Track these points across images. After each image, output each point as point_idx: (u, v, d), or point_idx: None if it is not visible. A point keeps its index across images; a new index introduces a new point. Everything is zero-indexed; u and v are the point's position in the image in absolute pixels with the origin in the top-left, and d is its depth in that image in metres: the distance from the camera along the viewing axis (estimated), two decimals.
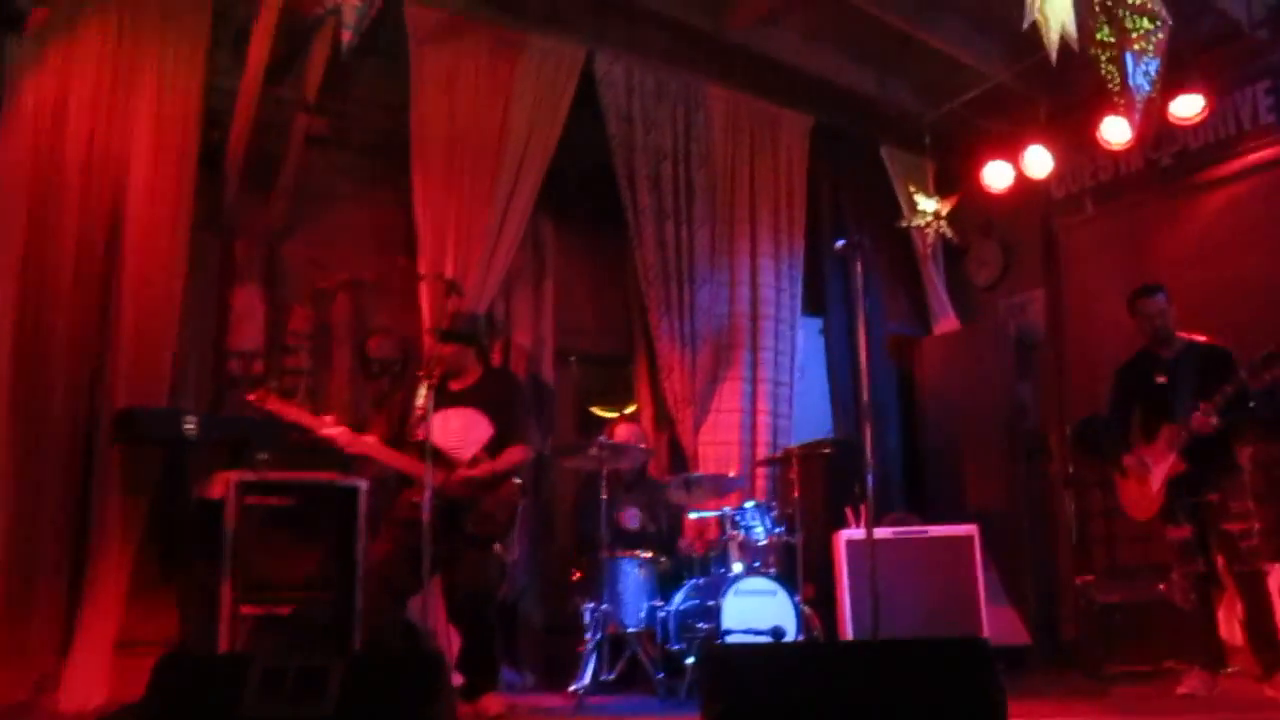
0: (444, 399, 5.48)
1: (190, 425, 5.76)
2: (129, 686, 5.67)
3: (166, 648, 5.93)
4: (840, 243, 5.44)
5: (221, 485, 5.79)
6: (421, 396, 5.44)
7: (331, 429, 5.30)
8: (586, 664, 5.91)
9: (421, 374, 5.49)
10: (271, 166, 6.82)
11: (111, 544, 5.78)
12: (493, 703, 5.32)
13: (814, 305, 8.41)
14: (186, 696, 3.35)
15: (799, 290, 8.04)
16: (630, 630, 6.08)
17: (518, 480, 5.57)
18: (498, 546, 5.35)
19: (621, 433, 6.85)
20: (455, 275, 6.60)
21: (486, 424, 5.49)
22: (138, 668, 5.81)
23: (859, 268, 5.36)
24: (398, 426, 5.56)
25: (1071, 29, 5.44)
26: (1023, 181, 7.83)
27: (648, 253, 7.52)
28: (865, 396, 5.15)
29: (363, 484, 5.83)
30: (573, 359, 8.21)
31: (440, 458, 5.33)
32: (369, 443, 5.39)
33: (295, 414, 5.30)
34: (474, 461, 5.40)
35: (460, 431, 5.46)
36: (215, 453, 6.30)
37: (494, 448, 5.43)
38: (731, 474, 6.95)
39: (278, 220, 6.96)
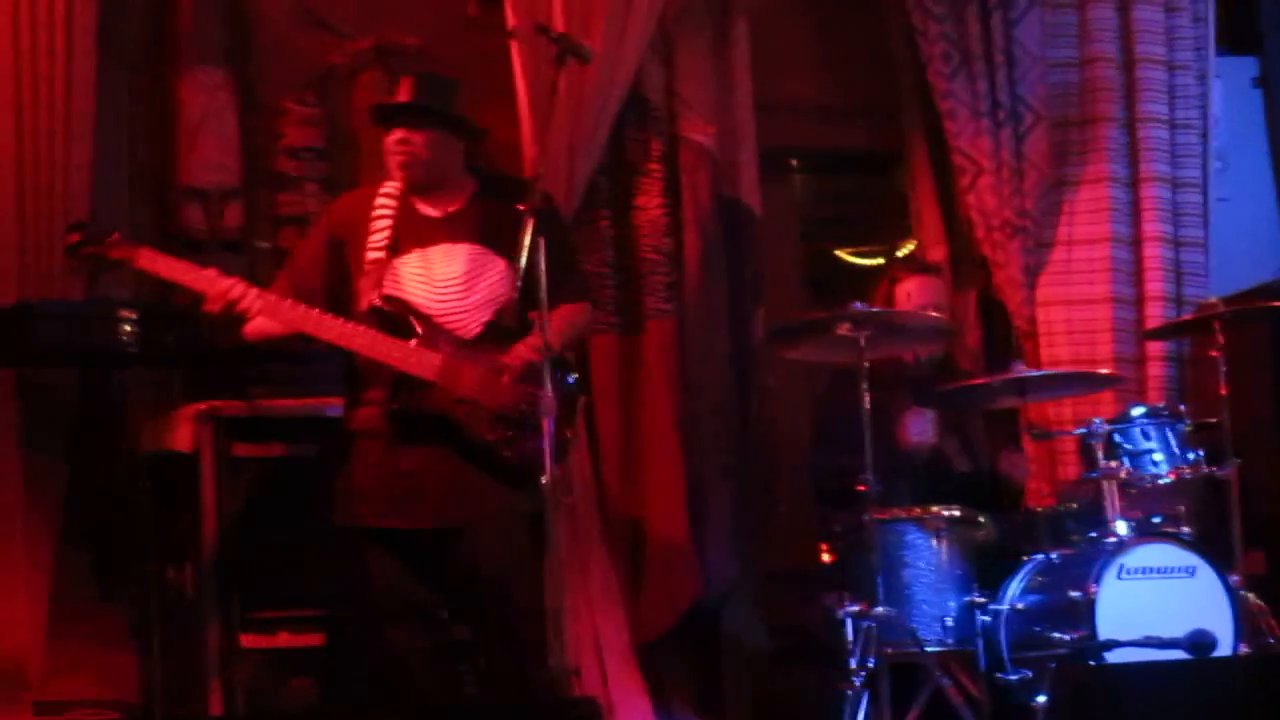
0: (415, 233, 5.63)
1: (128, 326, 5.99)
2: None
3: (118, 710, 6.26)
4: None
5: (189, 428, 6.03)
6: (381, 230, 5.57)
7: (225, 284, 5.44)
8: (853, 714, 6.02)
9: (388, 189, 5.64)
10: None
11: (10, 542, 6.10)
12: None
13: (1239, 35, 8.27)
14: None
15: (1210, 8, 7.86)
16: (930, 649, 6.14)
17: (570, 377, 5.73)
18: (546, 479, 5.34)
19: (909, 292, 6.82)
20: (570, 28, 6.64)
21: (502, 268, 5.60)
22: None
23: None
24: (325, 278, 5.70)
25: None
26: None
27: None
28: None
29: None
30: (793, 163, 8.20)
31: (437, 333, 5.51)
32: (272, 302, 5.49)
33: (166, 266, 5.49)
34: (494, 336, 5.52)
35: (459, 283, 5.61)
36: (164, 375, 6.57)
37: (519, 308, 5.45)
38: (1104, 371, 6.94)
39: None
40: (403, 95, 5.67)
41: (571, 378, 5.73)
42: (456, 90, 5.74)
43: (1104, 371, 7.06)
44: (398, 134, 5.61)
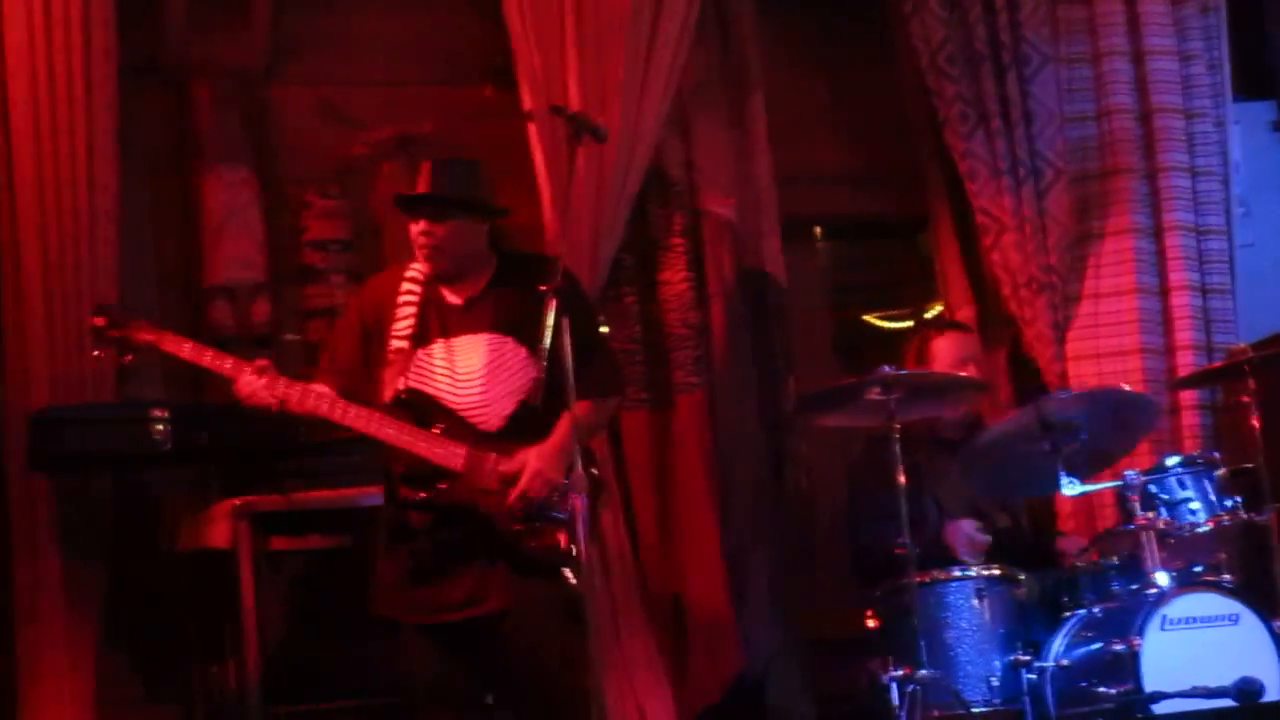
0: (440, 322, 5.56)
1: (160, 425, 5.99)
2: None
3: None
4: None
5: (225, 524, 6.02)
6: (405, 318, 5.49)
7: (250, 376, 5.32)
8: None
9: (413, 273, 5.55)
10: None
11: (52, 649, 6.09)
12: None
13: (1255, 79, 8.26)
14: None
15: (1225, 55, 7.86)
16: (977, 710, 6.10)
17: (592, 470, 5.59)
18: (569, 575, 5.34)
19: (943, 348, 6.75)
20: (586, 107, 6.65)
21: (524, 356, 5.51)
22: None
23: None
24: (353, 367, 5.60)
25: None
26: None
27: (931, 22, 7.48)
28: None
29: None
30: (816, 230, 8.19)
31: (459, 428, 5.42)
32: (320, 394, 5.39)
33: (191, 351, 5.35)
34: (516, 429, 5.44)
35: (480, 377, 5.51)
36: (198, 472, 6.56)
37: (543, 397, 5.36)
38: (1125, 387, 6.85)
39: (262, 45, 7.15)
40: (421, 185, 5.56)
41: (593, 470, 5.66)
42: (477, 172, 5.63)
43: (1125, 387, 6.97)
44: (421, 225, 5.51)
